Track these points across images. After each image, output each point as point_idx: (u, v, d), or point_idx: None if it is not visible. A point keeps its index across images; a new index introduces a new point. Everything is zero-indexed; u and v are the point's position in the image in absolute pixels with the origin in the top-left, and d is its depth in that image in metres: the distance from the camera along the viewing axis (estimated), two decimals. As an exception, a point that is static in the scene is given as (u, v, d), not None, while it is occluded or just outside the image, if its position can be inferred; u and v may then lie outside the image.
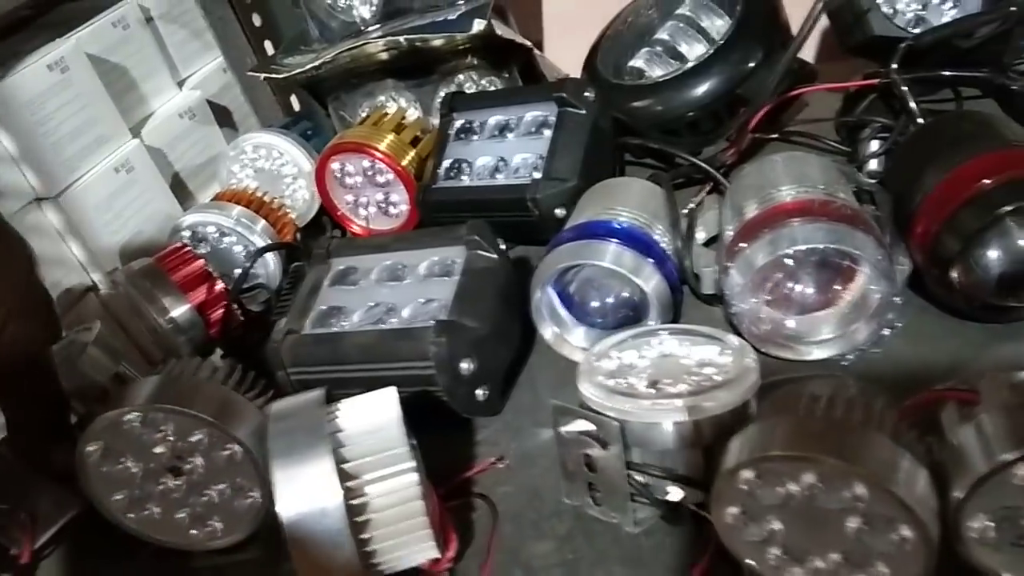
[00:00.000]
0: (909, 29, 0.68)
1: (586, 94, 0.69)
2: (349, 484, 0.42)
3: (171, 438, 0.50)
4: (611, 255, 0.56)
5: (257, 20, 0.92)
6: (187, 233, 0.73)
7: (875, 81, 0.67)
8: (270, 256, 0.73)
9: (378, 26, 0.82)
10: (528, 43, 0.82)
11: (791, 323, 0.54)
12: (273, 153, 0.81)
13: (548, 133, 0.69)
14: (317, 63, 0.79)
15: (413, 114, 0.84)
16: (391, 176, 0.76)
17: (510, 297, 0.59)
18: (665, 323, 0.56)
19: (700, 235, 0.64)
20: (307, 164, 0.81)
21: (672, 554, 0.47)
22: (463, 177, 0.73)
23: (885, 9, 0.68)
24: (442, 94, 0.82)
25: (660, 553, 0.47)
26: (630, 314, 0.59)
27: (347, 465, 0.43)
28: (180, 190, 0.88)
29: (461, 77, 0.86)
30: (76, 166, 0.78)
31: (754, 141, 0.73)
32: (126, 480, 0.51)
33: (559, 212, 0.66)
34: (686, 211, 0.65)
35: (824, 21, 0.72)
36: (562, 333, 0.60)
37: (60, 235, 0.77)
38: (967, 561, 0.38)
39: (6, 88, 0.71)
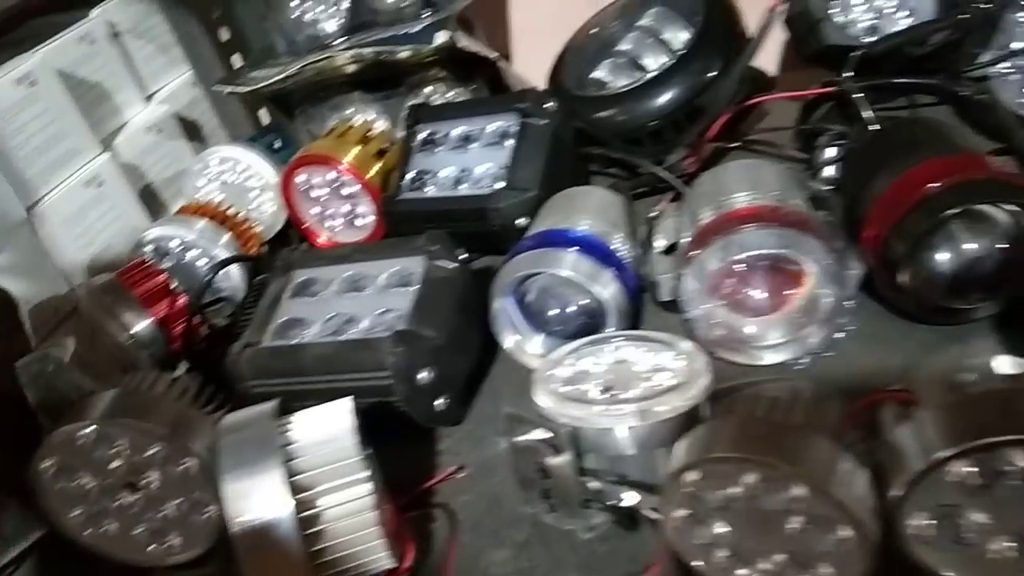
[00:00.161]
0: (863, 38, 0.69)
1: (547, 105, 0.70)
2: (301, 496, 0.43)
3: (126, 453, 0.49)
4: (569, 263, 0.57)
5: (225, 34, 0.92)
6: (151, 247, 0.73)
7: (830, 89, 0.68)
8: (235, 269, 0.73)
9: (344, 39, 0.83)
10: (494, 55, 0.83)
11: (745, 328, 0.55)
12: (239, 166, 0.81)
13: (510, 144, 0.70)
14: (282, 76, 0.79)
15: (379, 126, 0.84)
16: (357, 188, 0.77)
17: (470, 306, 0.59)
18: (623, 329, 0.57)
19: (660, 243, 0.64)
20: (273, 177, 0.81)
21: (627, 559, 0.47)
22: (427, 188, 0.73)
23: (839, 18, 0.69)
24: (408, 107, 0.82)
25: (615, 558, 0.47)
26: (589, 322, 0.59)
27: (299, 477, 0.43)
28: (150, 204, 0.88)
29: (428, 89, 0.86)
30: (45, 181, 0.78)
31: (716, 150, 0.74)
32: (82, 496, 0.51)
33: (521, 222, 0.66)
34: (647, 219, 0.66)
35: (783, 30, 0.74)
36: (522, 341, 0.60)
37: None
38: (909, 559, 0.38)
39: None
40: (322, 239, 0.81)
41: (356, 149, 0.77)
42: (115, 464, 0.50)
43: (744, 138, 0.76)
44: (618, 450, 0.46)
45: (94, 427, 0.49)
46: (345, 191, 0.78)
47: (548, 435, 0.46)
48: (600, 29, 0.83)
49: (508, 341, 0.60)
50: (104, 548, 0.52)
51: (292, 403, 0.49)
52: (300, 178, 0.78)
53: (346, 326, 0.58)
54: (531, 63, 0.90)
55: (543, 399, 0.47)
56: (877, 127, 0.63)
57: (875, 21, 0.70)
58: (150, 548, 0.52)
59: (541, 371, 0.50)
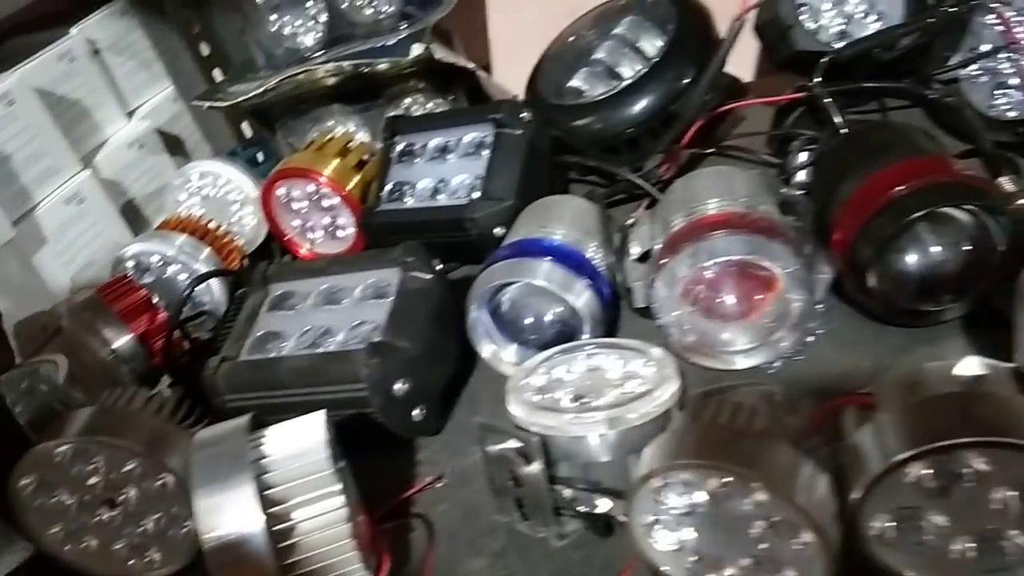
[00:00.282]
0: (833, 43, 0.70)
1: (522, 115, 0.71)
2: (274, 510, 0.43)
3: (103, 470, 0.50)
4: (543, 272, 0.57)
5: (205, 49, 0.93)
6: (131, 263, 0.73)
7: (801, 95, 0.69)
8: (215, 283, 0.74)
9: (322, 52, 0.83)
10: (471, 66, 0.84)
11: (717, 333, 0.55)
12: (219, 180, 0.82)
13: (486, 154, 0.71)
14: (261, 90, 0.80)
15: (359, 138, 0.85)
16: (336, 200, 0.77)
17: (446, 317, 0.60)
18: (597, 338, 0.57)
19: (635, 250, 0.64)
20: (253, 190, 0.81)
21: (601, 565, 0.47)
22: (406, 199, 0.74)
23: (809, 24, 0.70)
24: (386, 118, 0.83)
25: (590, 565, 0.48)
26: (564, 330, 0.60)
27: (272, 491, 0.43)
28: (133, 219, 0.89)
29: (408, 100, 0.87)
30: (26, 199, 0.78)
31: (692, 156, 0.75)
32: (61, 513, 0.51)
33: (497, 231, 0.67)
34: (623, 227, 0.67)
35: (756, 38, 0.74)
36: (498, 351, 0.61)
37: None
38: (872, 562, 0.38)
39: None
40: (304, 251, 0.81)
41: (336, 161, 0.78)
42: (93, 480, 0.50)
43: (719, 144, 0.77)
44: (590, 457, 0.46)
45: (70, 444, 0.49)
46: (325, 203, 0.78)
47: (519, 444, 0.46)
48: (576, 38, 0.84)
49: (486, 350, 0.61)
50: (85, 564, 0.53)
51: (269, 416, 0.49)
52: (280, 191, 0.79)
53: (322, 339, 0.58)
54: (511, 73, 0.91)
55: (515, 408, 0.48)
56: (846, 131, 0.63)
57: (845, 26, 0.71)
58: (130, 563, 0.52)
59: (514, 380, 0.51)
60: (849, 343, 0.56)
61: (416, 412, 0.56)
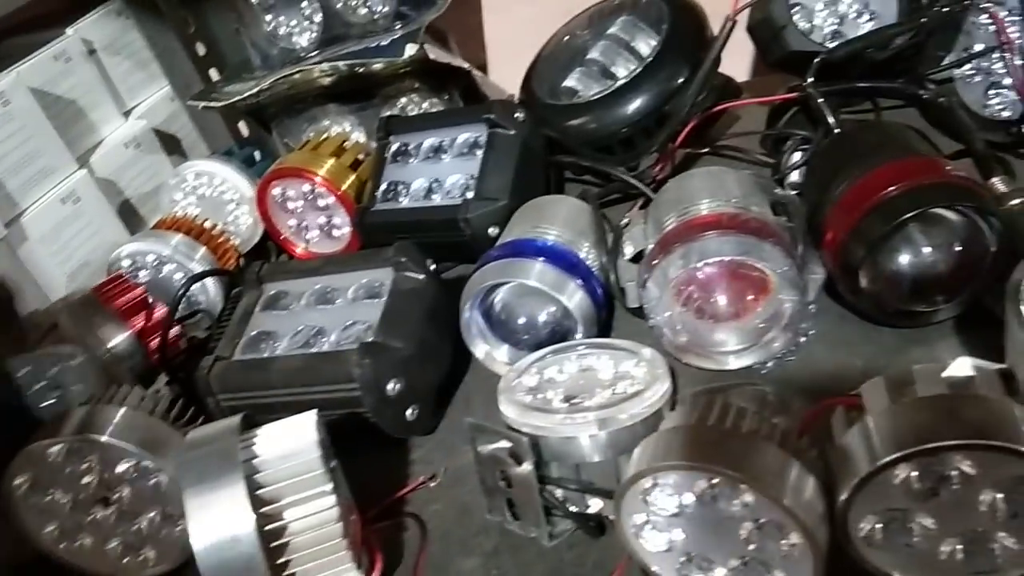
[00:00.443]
0: (826, 43, 0.70)
1: (516, 115, 0.71)
2: (265, 510, 0.43)
3: (97, 468, 0.50)
4: (535, 273, 0.57)
5: (201, 49, 0.93)
6: (127, 262, 0.74)
7: (795, 95, 0.69)
8: (211, 282, 0.74)
9: (316, 52, 0.83)
10: (466, 66, 0.84)
11: (709, 333, 0.55)
12: (215, 180, 0.82)
13: (480, 154, 0.71)
14: (256, 90, 0.80)
15: (354, 138, 0.85)
16: (331, 200, 0.77)
17: (439, 317, 0.60)
18: (589, 338, 0.57)
19: (628, 250, 0.65)
20: (249, 190, 0.82)
21: (593, 565, 0.47)
22: (400, 199, 0.74)
23: (802, 25, 0.70)
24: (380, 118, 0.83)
25: (582, 564, 0.48)
26: (557, 330, 0.60)
27: (263, 491, 0.43)
28: (128, 219, 0.89)
29: (403, 100, 0.87)
30: (21, 198, 0.78)
31: (686, 155, 0.75)
32: (56, 512, 0.51)
33: (491, 231, 0.67)
34: (616, 227, 0.67)
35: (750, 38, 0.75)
36: (492, 351, 0.61)
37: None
38: (860, 563, 0.39)
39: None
40: (299, 250, 0.81)
41: (331, 161, 0.78)
42: (87, 480, 0.50)
43: (713, 144, 0.77)
44: (581, 458, 0.47)
45: (64, 444, 0.50)
46: (320, 203, 0.78)
47: (511, 444, 0.46)
48: (571, 38, 0.84)
49: (479, 350, 0.61)
50: (79, 562, 0.53)
51: (262, 416, 0.49)
52: (275, 191, 0.79)
53: (315, 338, 0.58)
54: (506, 73, 0.91)
55: (507, 408, 0.48)
56: (838, 131, 0.63)
57: (838, 26, 0.71)
58: (125, 561, 0.53)
59: (506, 380, 0.51)
60: (841, 344, 0.56)
61: (409, 412, 0.56)
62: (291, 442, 0.46)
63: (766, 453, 0.37)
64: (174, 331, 0.67)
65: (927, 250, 0.53)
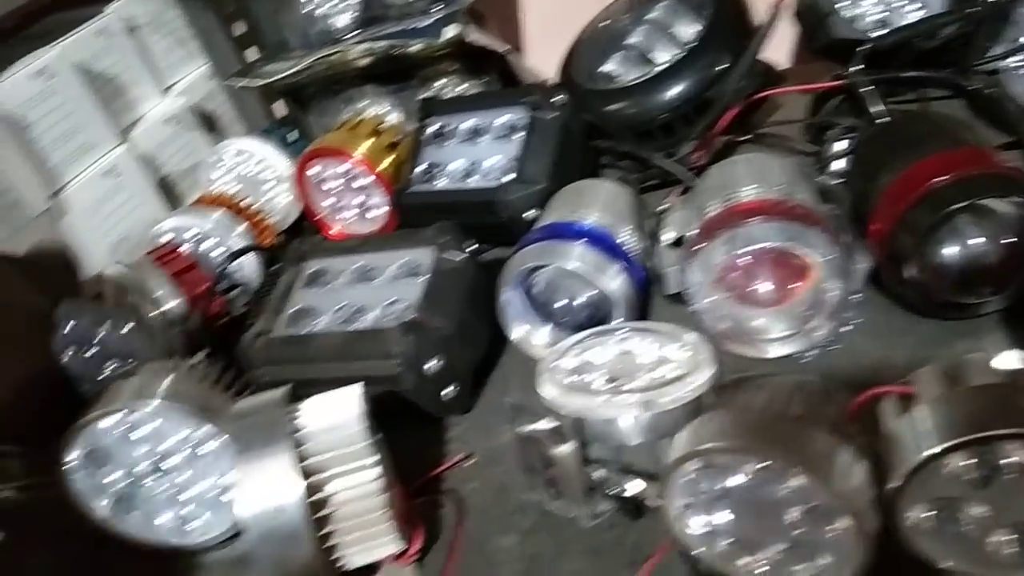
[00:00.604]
0: (872, 31, 0.69)
1: (556, 98, 0.70)
2: (310, 480, 0.44)
3: (154, 437, 0.50)
4: (576, 256, 0.57)
5: (240, 28, 0.93)
6: (168, 236, 0.74)
7: (840, 83, 0.68)
8: (250, 259, 0.74)
9: (356, 33, 0.83)
10: (504, 49, 0.84)
11: (751, 320, 0.55)
12: (253, 158, 0.82)
13: (519, 137, 0.71)
14: (294, 70, 0.80)
15: (392, 119, 0.85)
16: (369, 180, 0.77)
17: (478, 298, 0.60)
18: (629, 322, 0.57)
19: (668, 236, 0.64)
20: (287, 169, 0.82)
21: (632, 546, 0.48)
22: (438, 180, 0.74)
23: (847, 12, 0.69)
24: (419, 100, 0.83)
25: (620, 545, 0.48)
26: (596, 314, 0.60)
27: (308, 462, 0.44)
28: (167, 195, 0.90)
29: (440, 82, 0.87)
30: (64, 172, 0.80)
31: (726, 143, 0.74)
32: (110, 484, 0.51)
33: (529, 214, 0.67)
34: (655, 212, 0.67)
35: (795, 24, 0.74)
36: (529, 333, 0.61)
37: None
38: (908, 551, 0.38)
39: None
40: (335, 230, 0.81)
41: (368, 142, 0.78)
42: (142, 449, 0.50)
43: (754, 131, 0.76)
44: (622, 439, 0.47)
45: (121, 413, 0.49)
46: (357, 183, 0.78)
47: (552, 424, 0.46)
48: (610, 22, 0.83)
49: (516, 332, 0.61)
50: (133, 533, 0.53)
51: (302, 391, 0.50)
52: (313, 170, 0.79)
53: (356, 316, 0.59)
54: (542, 56, 0.90)
55: (548, 389, 0.48)
56: (885, 120, 0.63)
57: (885, 14, 0.70)
58: (177, 531, 0.52)
59: (546, 362, 0.51)
60: (884, 334, 0.56)
61: (447, 391, 0.57)
62: (336, 414, 0.46)
63: (817, 438, 0.37)
64: (217, 303, 0.68)
65: (975, 241, 0.53)
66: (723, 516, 0.40)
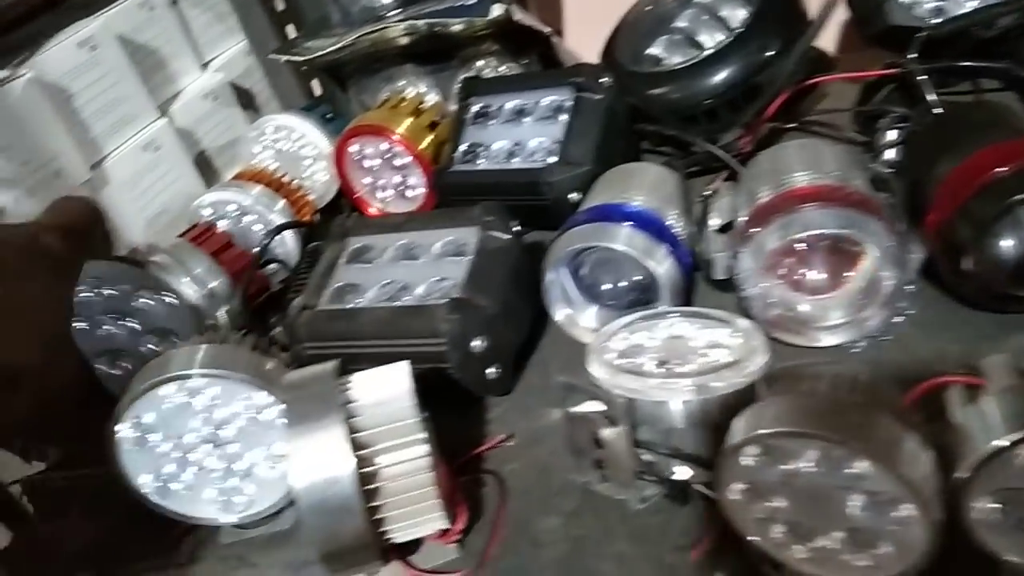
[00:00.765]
0: (928, 19, 0.67)
1: (602, 80, 0.70)
2: (360, 454, 0.43)
3: (210, 406, 0.49)
4: (624, 238, 0.57)
5: (280, 4, 0.93)
6: (208, 211, 0.74)
7: (893, 71, 0.67)
8: (288, 235, 0.74)
9: (399, 11, 0.83)
10: (547, 29, 0.83)
11: (802, 308, 0.54)
12: (293, 135, 0.82)
13: (564, 118, 0.70)
14: (338, 47, 0.80)
15: (432, 99, 0.84)
16: (408, 159, 0.77)
17: (522, 278, 0.60)
18: (676, 306, 0.57)
19: (714, 221, 0.64)
20: (326, 146, 0.82)
21: (678, 531, 0.47)
22: (479, 161, 0.73)
23: (904, -1, 0.68)
24: (461, 79, 0.82)
25: (666, 530, 0.47)
26: (641, 297, 0.59)
27: (359, 435, 0.44)
28: (204, 170, 0.90)
29: (480, 63, 0.86)
30: (105, 143, 0.80)
31: (772, 129, 0.73)
32: (160, 457, 0.50)
33: (573, 196, 0.66)
34: (701, 197, 0.66)
35: (844, 10, 0.72)
36: (573, 315, 0.60)
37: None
38: (972, 542, 0.38)
39: (39, 65, 0.73)
40: (373, 209, 0.81)
41: (409, 121, 0.77)
42: (196, 421, 0.49)
43: (801, 119, 0.75)
44: (672, 423, 0.46)
45: (180, 380, 0.48)
46: (397, 162, 0.78)
47: (603, 406, 0.46)
48: (656, 5, 0.82)
49: (559, 314, 0.61)
50: (177, 508, 0.52)
51: (346, 366, 0.50)
52: (353, 148, 0.79)
53: (400, 293, 0.58)
54: (583, 38, 0.89)
55: (598, 370, 0.48)
56: (940, 110, 0.61)
57: (941, 2, 0.68)
58: (228, 501, 0.52)
59: (596, 343, 0.51)
60: (936, 326, 0.55)
61: (491, 371, 0.56)
62: (386, 389, 0.46)
63: (883, 424, 0.37)
64: (257, 278, 0.68)
65: (1036, 234, 0.52)
66: (780, 502, 0.39)
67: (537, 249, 0.67)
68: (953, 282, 0.54)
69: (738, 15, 0.77)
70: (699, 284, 0.62)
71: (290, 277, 0.72)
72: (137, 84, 0.82)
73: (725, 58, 0.73)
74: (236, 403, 0.48)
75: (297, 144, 0.82)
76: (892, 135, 0.66)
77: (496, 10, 0.74)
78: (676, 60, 0.78)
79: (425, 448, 0.44)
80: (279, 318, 0.68)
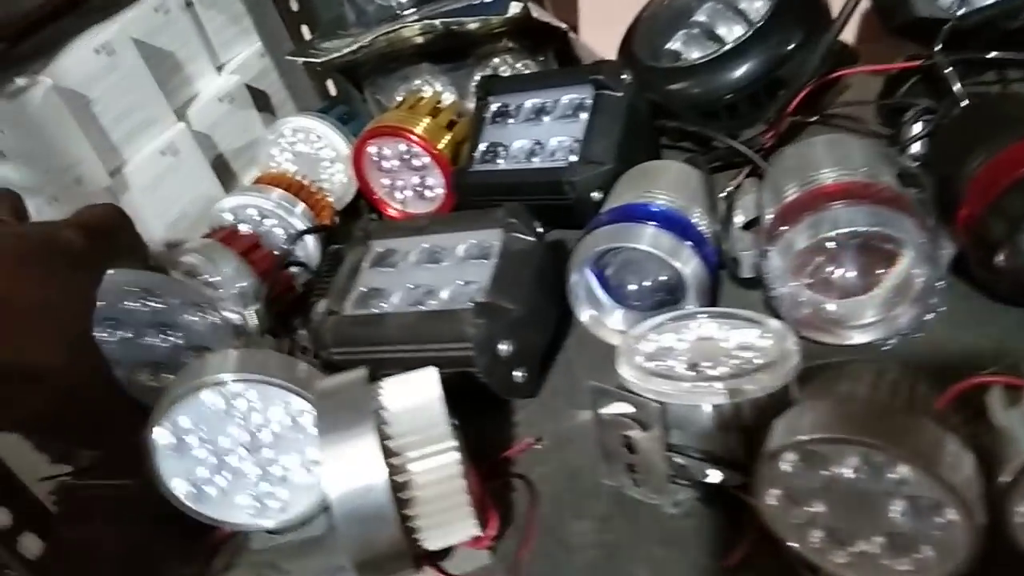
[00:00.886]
0: (953, 10, 0.66)
1: (623, 76, 0.69)
2: (392, 461, 0.43)
3: (246, 411, 0.49)
4: (649, 237, 0.56)
5: (294, 5, 0.93)
6: (229, 216, 0.74)
7: (918, 63, 0.66)
8: (309, 238, 0.74)
9: (414, 10, 0.82)
10: (564, 26, 0.82)
11: (832, 307, 0.54)
12: (311, 137, 0.82)
13: (584, 116, 0.69)
14: (355, 47, 0.79)
15: (449, 98, 0.84)
16: (427, 160, 0.77)
17: (547, 279, 0.59)
18: (703, 307, 0.56)
19: (738, 218, 0.63)
20: (344, 148, 0.82)
21: (712, 536, 0.47)
22: (499, 161, 0.73)
23: (929, -11, 0.67)
24: (477, 78, 0.82)
25: (700, 535, 0.47)
26: (667, 297, 0.59)
27: (390, 443, 0.44)
28: (222, 174, 0.90)
29: (496, 61, 0.85)
30: (123, 149, 0.80)
31: (793, 124, 0.72)
32: (195, 462, 0.50)
33: (595, 195, 0.66)
34: (724, 194, 0.65)
35: (865, 1, 0.71)
36: (599, 316, 0.60)
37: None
38: (1015, 547, 0.37)
39: (57, 71, 0.73)
40: (392, 210, 0.81)
41: (426, 121, 0.77)
42: (233, 426, 0.49)
43: (823, 112, 0.74)
44: (705, 426, 0.46)
45: (220, 385, 0.48)
46: (415, 163, 0.78)
47: (634, 409, 0.46)
48: (673, -1, 0.81)
49: (585, 315, 0.60)
50: (210, 513, 0.51)
51: (373, 371, 0.49)
52: (371, 149, 0.78)
53: (426, 297, 0.58)
54: (599, 34, 0.88)
55: (630, 372, 0.47)
56: (968, 102, 0.61)
57: (966, -8, 0.67)
58: (260, 507, 0.51)
59: (624, 346, 0.50)
60: (967, 323, 0.54)
61: (518, 373, 0.56)
62: (417, 396, 0.46)
63: (925, 428, 0.36)
64: (284, 279, 0.68)
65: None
66: (819, 508, 0.39)
67: (561, 248, 0.67)
68: (985, 278, 0.53)
69: (758, 8, 0.76)
70: (724, 282, 0.61)
71: (312, 280, 0.72)
72: (154, 88, 0.82)
73: (746, 52, 0.72)
74: (273, 408, 0.48)
75: (315, 146, 0.82)
76: (918, 128, 0.65)
77: (514, 8, 0.74)
78: (696, 55, 0.77)
79: (456, 455, 0.44)
80: (302, 321, 0.69)
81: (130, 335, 0.57)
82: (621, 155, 0.67)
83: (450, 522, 0.45)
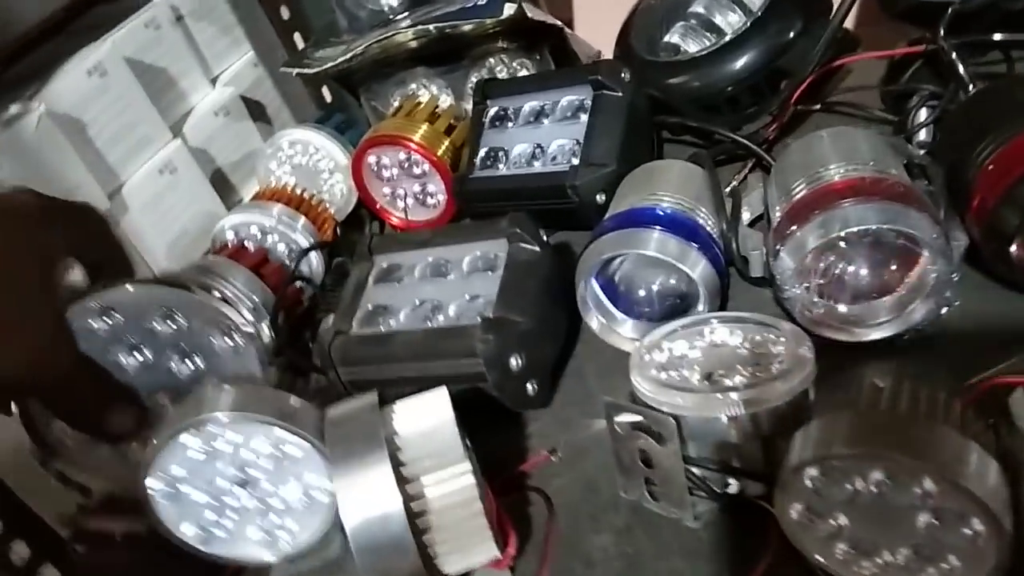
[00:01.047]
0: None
1: (622, 75, 0.68)
2: (407, 487, 0.43)
3: (240, 446, 0.48)
4: (655, 243, 0.55)
5: (285, 13, 0.91)
6: (230, 234, 0.74)
7: (922, 48, 0.65)
8: (312, 253, 0.74)
9: (406, 14, 0.81)
10: (559, 23, 0.81)
11: (846, 305, 0.53)
12: (309, 149, 0.81)
13: (584, 117, 0.68)
14: (348, 56, 0.78)
15: (446, 102, 0.83)
16: (427, 167, 0.76)
17: (555, 288, 0.59)
18: (713, 309, 0.56)
19: (745, 215, 0.62)
20: (343, 158, 0.81)
21: (734, 547, 0.46)
22: (500, 166, 0.72)
23: (931, -29, 0.65)
24: (473, 79, 0.81)
25: (722, 546, 0.47)
26: (678, 301, 0.58)
27: (404, 469, 0.43)
28: (221, 187, 0.89)
29: (492, 61, 0.84)
30: (121, 169, 0.79)
31: (796, 114, 0.71)
32: (198, 506, 0.49)
33: (599, 198, 0.65)
34: (729, 189, 0.64)
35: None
36: (609, 323, 0.59)
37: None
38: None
39: (50, 96, 0.72)
40: (394, 219, 0.80)
41: (424, 127, 0.76)
42: (223, 463, 0.48)
43: (825, 100, 0.73)
44: (722, 437, 0.45)
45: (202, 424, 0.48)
46: (415, 170, 0.77)
47: (650, 422, 0.45)
48: (670, -9, 0.80)
49: (595, 323, 0.60)
50: (221, 552, 0.50)
51: (383, 391, 0.49)
52: (370, 159, 0.78)
53: (433, 313, 0.58)
54: (595, 28, 0.87)
55: (643, 385, 0.47)
56: (976, 88, 0.59)
57: (969, -27, 0.66)
58: (267, 539, 0.50)
59: (636, 357, 0.50)
60: (982, 315, 0.53)
61: (530, 386, 0.56)
62: (428, 419, 0.45)
63: (947, 438, 0.35)
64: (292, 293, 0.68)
65: (1087, 216, 0.50)
66: (843, 520, 0.38)
67: (567, 253, 0.66)
68: (1000, 269, 0.52)
69: (756, -3, 0.75)
70: (734, 280, 0.60)
71: (317, 295, 0.72)
72: (148, 106, 0.81)
73: (745, 43, 0.71)
74: (255, 441, 0.47)
75: (314, 158, 0.81)
76: (923, 114, 0.64)
77: (509, 8, 0.73)
78: (694, 47, 0.76)
79: (471, 478, 0.44)
80: (311, 336, 0.68)
81: (151, 359, 0.54)
82: (623, 156, 0.66)
83: (469, 546, 0.45)
